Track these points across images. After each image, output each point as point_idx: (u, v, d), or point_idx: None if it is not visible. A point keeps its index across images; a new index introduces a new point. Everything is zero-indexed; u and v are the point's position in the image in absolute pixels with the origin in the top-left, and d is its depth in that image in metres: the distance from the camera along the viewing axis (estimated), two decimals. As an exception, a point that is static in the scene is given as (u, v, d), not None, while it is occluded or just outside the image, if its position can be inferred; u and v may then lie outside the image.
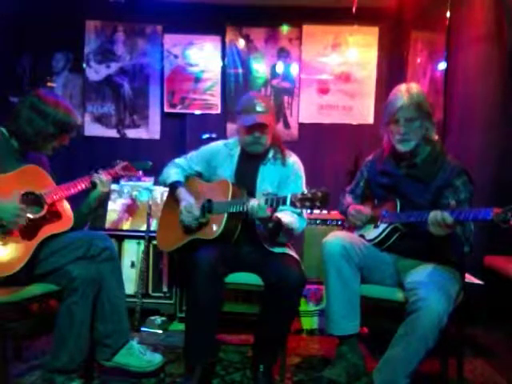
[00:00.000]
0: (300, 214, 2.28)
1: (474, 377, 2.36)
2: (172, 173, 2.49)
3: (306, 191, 1.93)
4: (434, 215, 1.83)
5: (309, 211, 2.01)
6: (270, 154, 2.40)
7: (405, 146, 2.11)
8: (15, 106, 2.14)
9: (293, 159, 2.43)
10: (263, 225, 2.17)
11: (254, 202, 2.07)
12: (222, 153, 2.48)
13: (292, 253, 2.31)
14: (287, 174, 2.38)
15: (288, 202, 1.96)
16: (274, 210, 2.08)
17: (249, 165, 2.41)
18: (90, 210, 2.22)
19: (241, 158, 2.43)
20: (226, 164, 2.44)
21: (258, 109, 2.30)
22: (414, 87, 2.12)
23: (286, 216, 2.22)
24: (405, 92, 2.09)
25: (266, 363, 2.20)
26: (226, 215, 2.21)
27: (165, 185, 2.55)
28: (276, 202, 2.02)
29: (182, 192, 2.39)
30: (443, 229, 1.82)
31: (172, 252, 2.44)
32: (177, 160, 2.56)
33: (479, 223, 1.99)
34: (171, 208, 2.49)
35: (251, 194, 2.25)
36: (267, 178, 2.36)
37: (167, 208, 2.57)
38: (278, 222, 2.16)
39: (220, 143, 2.55)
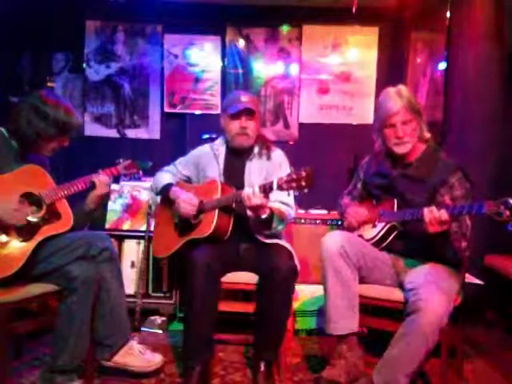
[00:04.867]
0: (288, 204, 2.32)
1: (473, 377, 2.36)
2: (163, 178, 2.51)
3: (290, 173, 1.96)
4: (429, 211, 1.84)
5: (296, 193, 2.03)
6: (256, 150, 2.45)
7: (402, 148, 2.12)
8: (15, 106, 2.14)
9: (277, 153, 2.49)
10: (255, 216, 2.19)
11: (248, 189, 2.09)
12: (208, 154, 2.51)
13: (284, 243, 2.33)
14: (273, 167, 2.42)
15: (275, 185, 1.99)
16: (267, 197, 2.09)
17: (235, 162, 2.45)
18: (89, 211, 2.22)
19: (227, 157, 2.48)
20: (212, 164, 2.47)
21: (243, 99, 2.37)
22: (403, 89, 2.12)
23: (275, 205, 2.26)
24: (396, 96, 2.09)
25: (266, 360, 2.21)
26: (216, 211, 2.23)
27: (156, 191, 2.55)
28: (264, 189, 2.05)
29: (177, 190, 2.41)
30: (438, 225, 1.83)
31: (169, 256, 2.45)
32: (165, 168, 2.60)
33: (479, 221, 2.00)
34: (165, 214, 2.50)
35: (241, 190, 2.27)
36: (254, 173, 2.40)
37: (160, 214, 2.58)
38: (270, 211, 2.19)
39: (206, 146, 2.59)
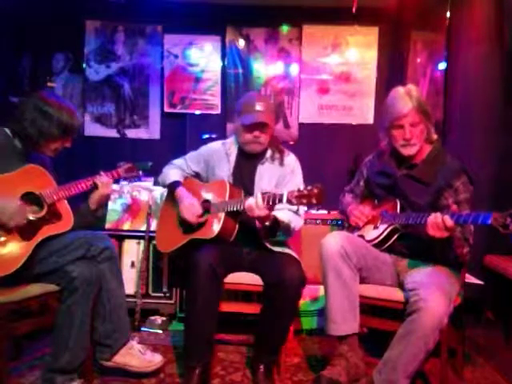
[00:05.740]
0: (296, 213, 2.29)
1: (473, 377, 2.36)
2: (171, 173, 2.49)
3: (302, 188, 1.94)
4: (434, 218, 1.83)
5: (306, 208, 2.02)
6: (268, 154, 2.41)
7: (409, 149, 2.10)
8: (19, 106, 2.14)
9: (290, 158, 2.44)
10: (260, 223, 2.17)
11: (251, 200, 2.08)
12: (219, 152, 2.48)
13: (292, 252, 2.31)
14: (285, 173, 2.38)
15: (284, 199, 1.97)
16: (271, 208, 2.08)
17: (247, 164, 2.41)
18: (91, 212, 2.22)
19: (238, 158, 2.44)
20: (223, 163, 2.43)
21: (258, 108, 2.30)
22: (413, 89, 2.09)
23: (283, 214, 2.23)
24: (406, 96, 2.06)
25: (266, 363, 2.21)
26: (223, 214, 2.22)
27: (164, 185, 2.55)
28: (273, 200, 2.03)
29: (182, 191, 2.40)
30: (443, 231, 1.82)
31: (171, 253, 2.44)
32: (175, 161, 2.57)
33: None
34: (170, 209, 2.49)
35: (249, 193, 2.26)
36: (265, 178, 2.37)
37: (166, 209, 2.57)
38: (275, 220, 2.17)
39: (218, 143, 2.55)
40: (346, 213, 2.35)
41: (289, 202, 1.96)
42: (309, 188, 1.92)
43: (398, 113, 2.06)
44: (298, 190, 1.93)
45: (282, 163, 2.39)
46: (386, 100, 2.18)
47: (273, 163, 2.39)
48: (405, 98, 2.06)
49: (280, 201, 2.00)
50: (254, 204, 2.05)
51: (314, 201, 1.90)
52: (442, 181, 2.06)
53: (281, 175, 2.37)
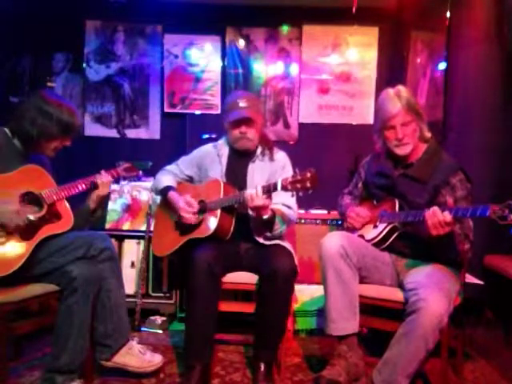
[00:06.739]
0: (290, 207, 2.32)
1: (474, 377, 2.36)
2: (163, 179, 2.51)
3: (295, 173, 1.96)
4: (432, 213, 1.84)
5: (301, 194, 2.02)
6: (258, 151, 2.45)
7: (403, 149, 2.12)
8: (19, 106, 2.14)
9: (280, 154, 2.48)
10: (257, 216, 2.18)
11: (251, 190, 2.10)
12: (211, 154, 2.51)
13: (285, 244, 2.33)
14: (276, 169, 2.42)
15: (279, 186, 1.99)
16: (270, 197, 2.10)
17: (238, 163, 2.44)
18: (90, 212, 2.21)
19: (230, 158, 2.47)
20: (215, 165, 2.47)
21: (241, 104, 2.35)
22: (403, 90, 2.11)
23: (276, 206, 2.26)
24: (395, 97, 2.08)
25: (266, 360, 2.20)
26: (219, 211, 2.24)
27: (156, 192, 2.56)
28: (269, 188, 2.05)
29: (174, 195, 2.41)
30: (442, 228, 1.82)
31: (169, 255, 2.44)
32: (167, 167, 2.59)
33: (479, 221, 2.00)
34: (164, 213, 2.51)
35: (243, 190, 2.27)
36: (257, 175, 2.40)
37: (160, 213, 2.59)
38: (272, 212, 2.19)
39: (209, 145, 2.58)
40: (345, 214, 2.36)
41: (284, 188, 1.98)
42: (302, 173, 1.94)
43: (388, 113, 2.09)
44: (292, 176, 1.97)
45: (272, 158, 2.43)
46: (376, 102, 2.21)
47: (263, 160, 2.43)
48: (394, 98, 2.09)
49: (275, 188, 2.02)
50: (254, 193, 2.07)
51: (309, 184, 1.92)
52: (439, 178, 2.06)
53: (272, 171, 2.41)
